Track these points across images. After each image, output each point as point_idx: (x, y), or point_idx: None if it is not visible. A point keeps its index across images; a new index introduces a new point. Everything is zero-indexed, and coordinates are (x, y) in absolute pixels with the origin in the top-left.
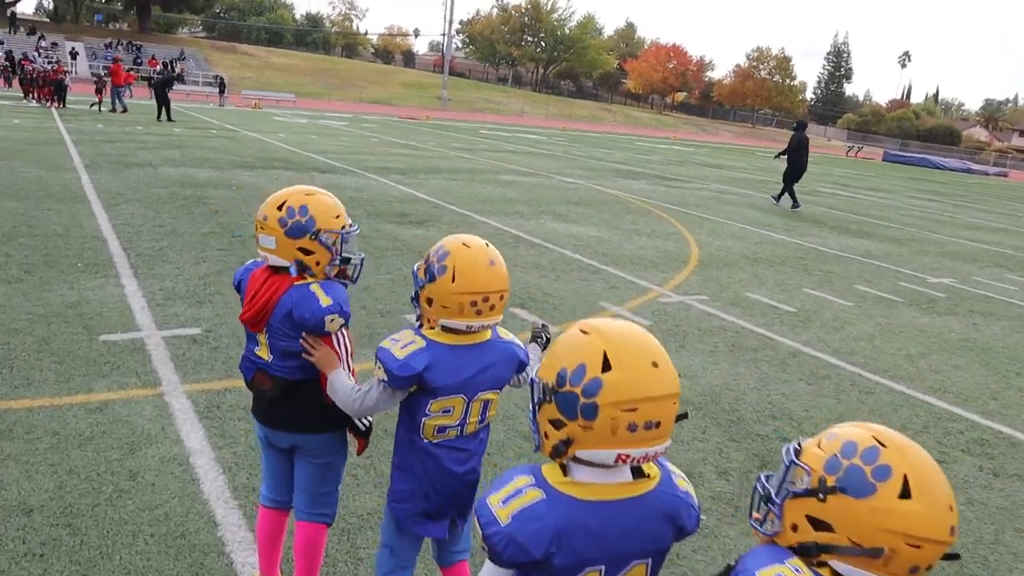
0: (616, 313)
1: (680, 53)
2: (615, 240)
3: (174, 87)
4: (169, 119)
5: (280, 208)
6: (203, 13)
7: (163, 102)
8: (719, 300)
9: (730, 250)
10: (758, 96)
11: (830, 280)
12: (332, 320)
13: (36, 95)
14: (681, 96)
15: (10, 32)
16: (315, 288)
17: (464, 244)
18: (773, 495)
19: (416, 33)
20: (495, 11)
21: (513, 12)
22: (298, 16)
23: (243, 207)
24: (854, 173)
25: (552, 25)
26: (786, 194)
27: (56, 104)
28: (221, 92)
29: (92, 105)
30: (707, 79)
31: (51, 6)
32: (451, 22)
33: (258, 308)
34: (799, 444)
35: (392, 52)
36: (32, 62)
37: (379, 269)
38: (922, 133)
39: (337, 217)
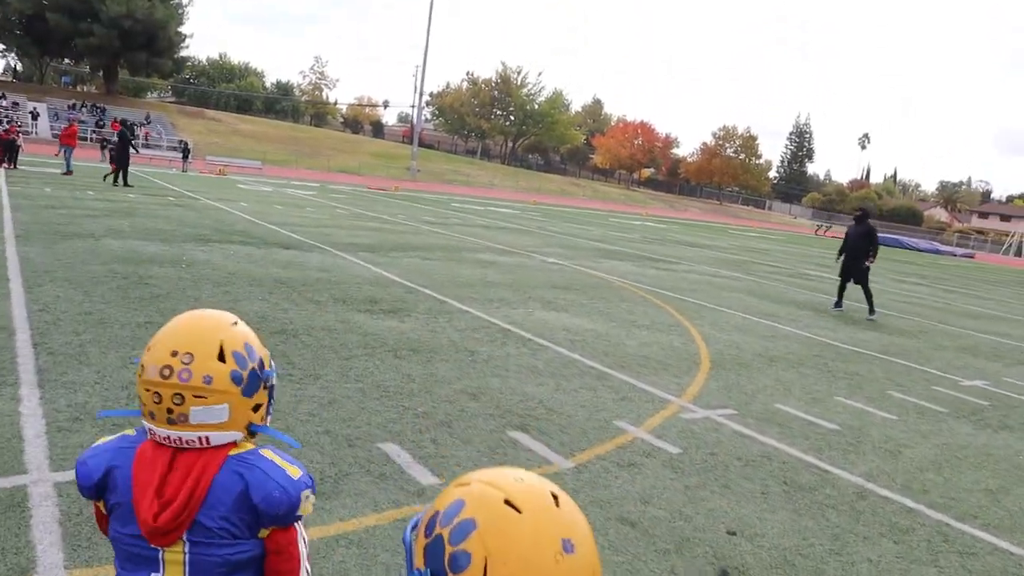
0: (636, 436)
1: (647, 130)
2: (614, 335)
3: (135, 146)
4: (126, 183)
5: (222, 357)
6: (172, 78)
7: (122, 164)
8: (749, 415)
9: (740, 347)
10: (725, 174)
11: (860, 385)
12: (307, 499)
13: None
14: (647, 172)
15: None
16: (267, 454)
17: (508, 504)
18: None
19: (385, 104)
20: (465, 84)
21: (483, 85)
22: (268, 84)
23: (190, 290)
24: (831, 253)
25: (522, 99)
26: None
27: (7, 165)
28: (184, 157)
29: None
30: (674, 156)
31: (19, 67)
32: (421, 93)
33: (180, 506)
34: None
35: (361, 122)
36: None
37: (347, 376)
38: (885, 213)
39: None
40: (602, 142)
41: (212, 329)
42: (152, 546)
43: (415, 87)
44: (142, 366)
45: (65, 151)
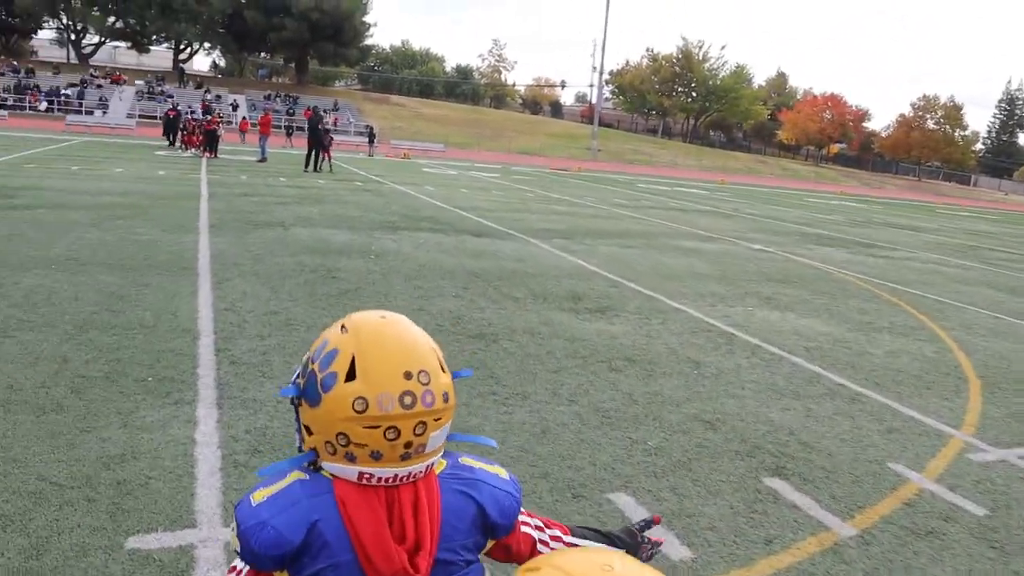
0: (922, 487)
1: (838, 103)
2: (853, 340)
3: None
4: (316, 169)
5: (443, 367)
6: (357, 66)
7: (313, 149)
8: None
9: (1009, 357)
10: (924, 147)
11: None
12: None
13: (184, 142)
14: (837, 148)
15: (180, 86)
16: (471, 462)
17: None
18: None
19: (563, 84)
20: (645, 61)
21: (663, 62)
22: (448, 68)
23: (379, 284)
24: None
25: (704, 75)
26: None
27: (208, 154)
28: (370, 142)
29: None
30: (866, 130)
31: (223, 63)
32: (601, 72)
33: (432, 544)
34: None
35: (540, 103)
36: (180, 113)
37: (558, 395)
38: None
39: None
40: (789, 117)
41: (423, 337)
42: None
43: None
44: (363, 400)
45: (261, 139)
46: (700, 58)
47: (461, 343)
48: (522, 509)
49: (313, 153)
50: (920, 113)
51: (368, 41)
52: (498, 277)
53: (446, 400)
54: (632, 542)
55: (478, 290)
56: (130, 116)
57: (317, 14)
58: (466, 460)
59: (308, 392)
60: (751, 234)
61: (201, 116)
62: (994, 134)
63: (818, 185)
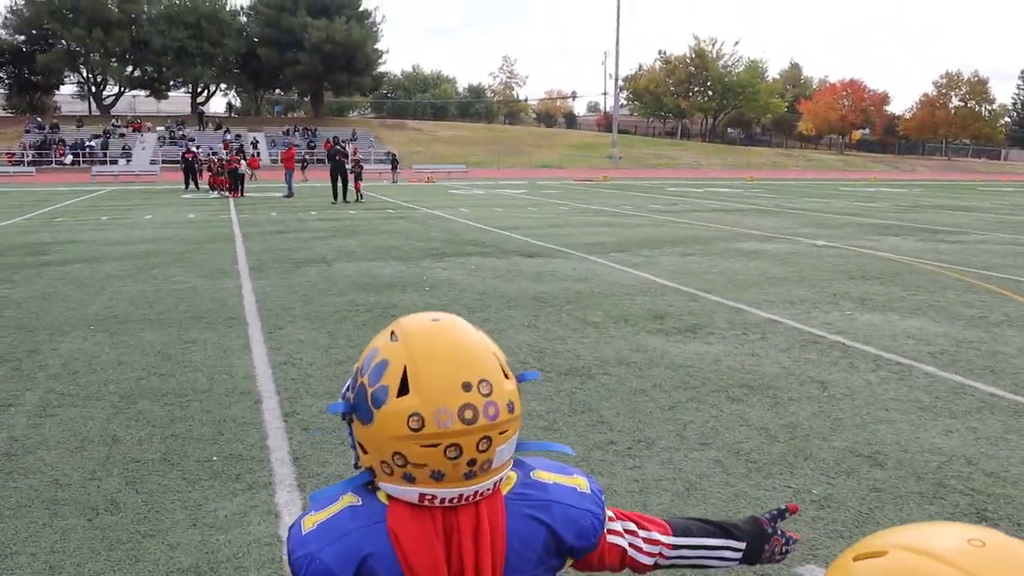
0: None
1: (858, 88)
2: (977, 339)
3: (346, 161)
4: (345, 199)
5: (507, 374)
6: (371, 94)
7: (336, 179)
8: None
9: None
10: (951, 125)
11: None
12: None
13: (211, 184)
14: (859, 134)
15: (200, 129)
16: (544, 476)
17: None
18: None
19: (573, 96)
20: (658, 64)
21: (677, 63)
22: (460, 89)
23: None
24: None
25: (719, 72)
26: None
27: (235, 194)
28: (394, 168)
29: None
30: (888, 114)
31: (238, 103)
32: (617, 79)
33: (497, 571)
34: None
35: (554, 116)
36: (196, 155)
37: (684, 437)
38: None
39: None
40: (809, 107)
41: (481, 340)
42: None
43: (606, 74)
44: (419, 417)
45: (287, 174)
46: (714, 55)
47: (554, 382)
48: (609, 512)
49: (338, 184)
50: (944, 91)
51: (381, 68)
52: (567, 300)
53: (511, 410)
54: (758, 532)
55: (551, 317)
56: (153, 162)
57: (329, 46)
58: (540, 474)
59: (359, 408)
60: (805, 230)
61: (224, 156)
62: (1020, 106)
63: (847, 173)
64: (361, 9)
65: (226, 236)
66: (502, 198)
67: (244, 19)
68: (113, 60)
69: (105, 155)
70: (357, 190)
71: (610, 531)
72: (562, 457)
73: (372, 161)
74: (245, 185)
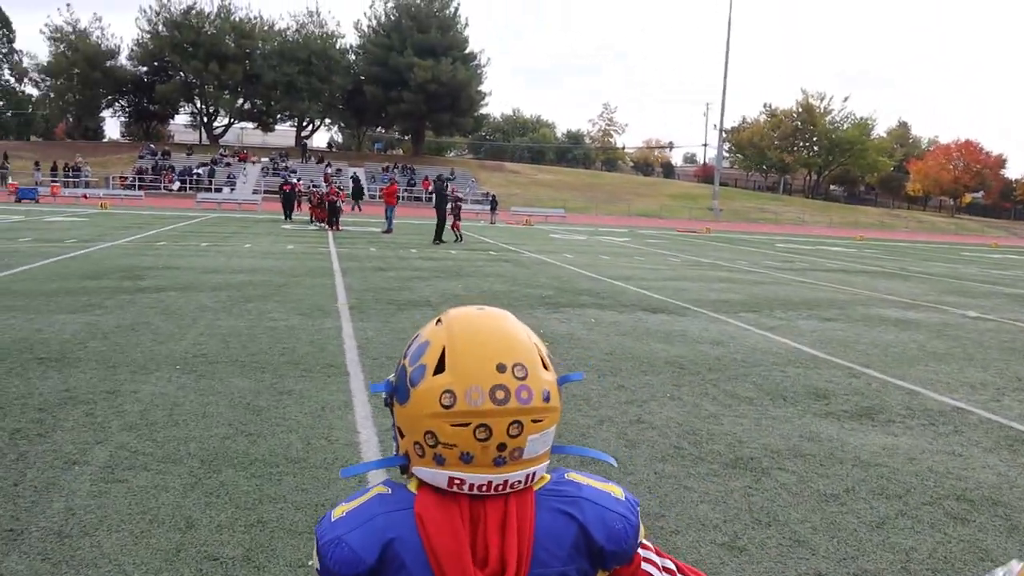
0: None
1: (973, 149)
2: None
3: (451, 200)
4: (440, 239)
5: (547, 365)
6: (472, 135)
7: (441, 219)
8: None
9: None
10: None
11: None
12: (640, 515)
13: (313, 216)
14: (970, 198)
15: (303, 161)
16: (578, 478)
17: None
18: None
19: (671, 146)
20: (763, 117)
21: (783, 116)
22: (559, 134)
23: (573, 384)
24: None
25: (826, 128)
26: None
27: (333, 228)
28: (493, 209)
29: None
30: (1004, 177)
31: (340, 139)
32: (722, 131)
33: (513, 570)
34: None
35: (651, 164)
36: (293, 186)
37: (887, 560)
38: None
39: None
40: (919, 167)
41: (522, 329)
42: None
43: (707, 124)
44: (451, 394)
45: (387, 209)
46: (822, 111)
47: (720, 476)
48: (648, 544)
49: (441, 224)
50: None
51: (483, 110)
52: (708, 368)
53: (547, 399)
54: None
55: (695, 388)
56: (255, 192)
57: (434, 86)
58: (573, 475)
59: (399, 388)
60: (948, 297)
61: (324, 188)
62: None
63: (961, 237)
64: (467, 51)
65: (325, 270)
66: (605, 245)
67: (352, 57)
68: (226, 92)
69: (211, 183)
70: (456, 229)
71: (646, 559)
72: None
73: (469, 201)
74: (340, 218)
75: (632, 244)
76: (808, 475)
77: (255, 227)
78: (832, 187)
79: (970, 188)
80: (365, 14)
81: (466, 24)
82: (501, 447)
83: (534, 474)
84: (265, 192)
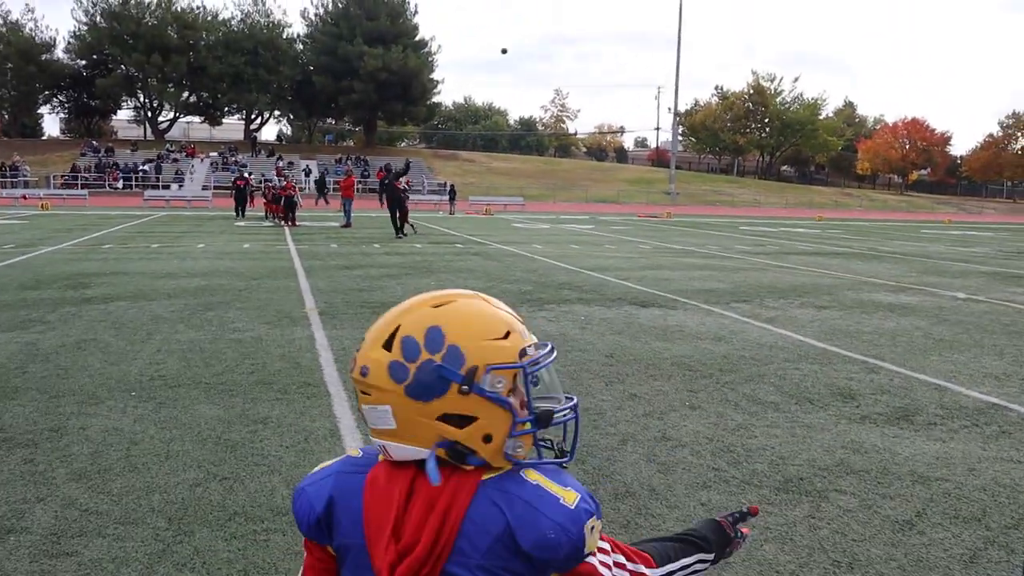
0: None
1: (920, 128)
2: None
3: (406, 190)
4: (400, 233)
5: (389, 345)
6: (425, 124)
7: (393, 212)
8: None
9: None
10: (1018, 167)
11: None
12: (592, 531)
13: (267, 210)
14: (916, 175)
15: (253, 155)
16: (532, 476)
17: None
18: None
19: (622, 130)
20: (715, 99)
21: (735, 99)
22: (512, 121)
23: (577, 392)
24: None
25: (778, 109)
26: None
27: (289, 223)
28: (451, 199)
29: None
30: (948, 155)
31: (289, 132)
32: (676, 114)
33: (426, 546)
34: None
35: (604, 150)
36: (248, 181)
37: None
38: None
39: (506, 336)
40: (868, 146)
41: (406, 310)
42: None
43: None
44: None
45: (345, 203)
46: (772, 92)
47: (775, 504)
48: (604, 543)
49: (395, 216)
50: (1010, 131)
51: (435, 98)
52: (719, 369)
53: (363, 374)
54: (723, 540)
55: (713, 394)
56: (205, 188)
57: (385, 74)
58: (529, 472)
59: None
60: (927, 278)
61: (278, 183)
62: None
63: (913, 215)
64: (418, 38)
65: (287, 271)
66: (572, 234)
67: (300, 47)
68: (170, 85)
69: (158, 180)
70: (405, 221)
71: (601, 562)
72: None
73: (425, 192)
74: (297, 213)
75: (598, 232)
76: (870, 497)
77: (207, 225)
78: (783, 168)
79: (917, 165)
80: (312, 2)
81: (415, 11)
82: (362, 411)
83: (386, 447)
84: (215, 188)
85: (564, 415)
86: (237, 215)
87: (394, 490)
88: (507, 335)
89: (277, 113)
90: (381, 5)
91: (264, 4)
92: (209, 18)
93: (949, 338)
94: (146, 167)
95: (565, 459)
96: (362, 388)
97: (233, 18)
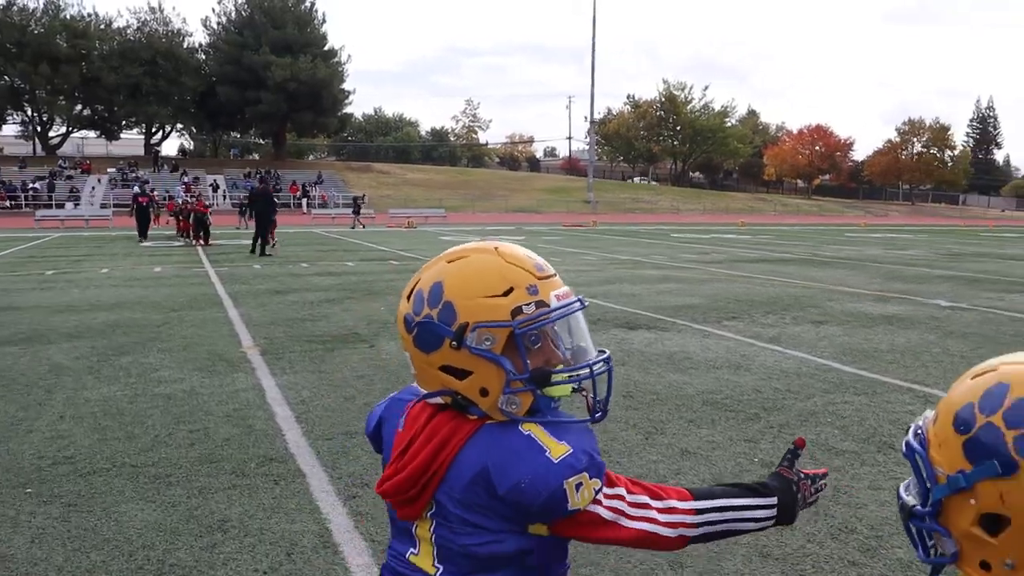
0: None
1: (824, 134)
2: None
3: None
4: (262, 252)
5: (408, 296)
6: (337, 135)
7: (262, 228)
8: None
9: None
10: (915, 171)
11: None
12: (578, 489)
13: (180, 229)
14: (818, 180)
15: (155, 171)
16: (528, 428)
17: None
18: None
19: (532, 140)
20: (627, 108)
21: (647, 107)
22: (423, 132)
23: (635, 465)
24: None
25: (689, 117)
26: None
27: (200, 241)
28: (356, 212)
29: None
30: (850, 160)
31: (191, 146)
32: (592, 123)
33: (415, 470)
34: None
35: (517, 159)
36: (151, 199)
37: None
38: None
39: (506, 293)
40: (775, 152)
41: (430, 262)
42: (399, 517)
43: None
44: None
45: None
46: (683, 100)
47: None
48: (620, 488)
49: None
50: (906, 137)
51: (347, 109)
52: (761, 407)
53: (401, 323)
54: (784, 484)
55: (777, 444)
56: (104, 206)
57: (294, 85)
58: (526, 424)
59: None
60: (892, 284)
61: (189, 200)
62: (970, 153)
63: (825, 218)
64: (327, 48)
65: (210, 298)
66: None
67: (203, 56)
68: (61, 98)
69: (51, 198)
70: (272, 238)
71: (609, 507)
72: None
73: (341, 206)
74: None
75: (531, 243)
76: None
77: (110, 246)
78: (694, 174)
79: (823, 171)
80: (214, 10)
81: (323, 20)
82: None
83: (436, 397)
84: (115, 206)
85: (576, 376)
86: (140, 236)
87: (420, 419)
88: (508, 292)
89: (180, 126)
90: (287, 13)
91: (162, 12)
92: (102, 26)
93: (971, 354)
94: (37, 185)
95: (590, 418)
96: (401, 335)
97: (129, 27)
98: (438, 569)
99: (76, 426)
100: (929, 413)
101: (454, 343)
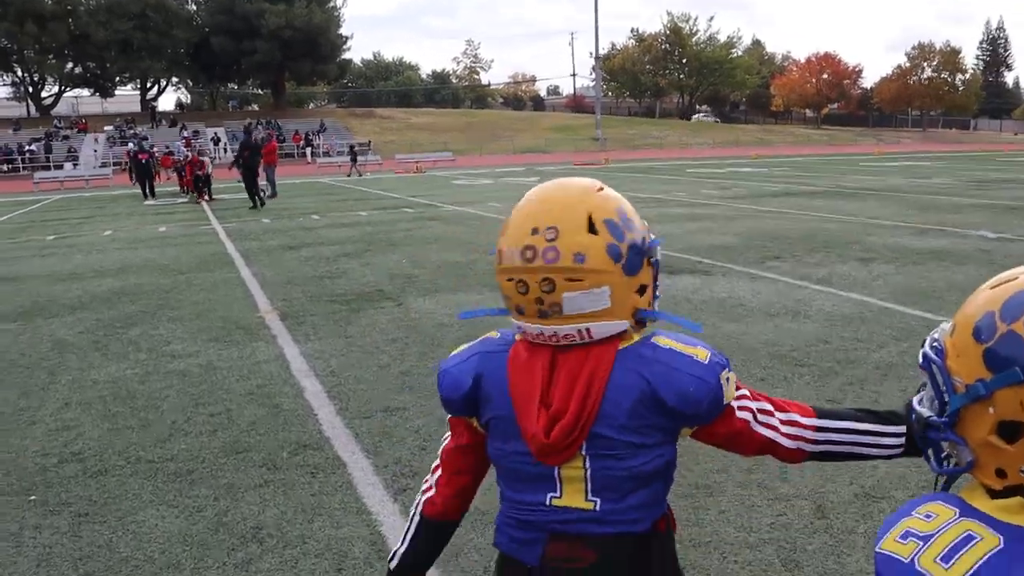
0: None
1: (832, 62)
2: None
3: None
4: (258, 204)
5: (592, 228)
6: (336, 82)
7: (250, 182)
8: None
9: None
10: (926, 97)
11: None
12: (728, 382)
13: (185, 186)
14: (827, 109)
15: (153, 127)
16: (663, 341)
17: None
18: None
19: (534, 79)
20: (632, 42)
21: (651, 41)
22: (424, 75)
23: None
24: None
25: (695, 49)
26: None
27: (204, 197)
28: (353, 160)
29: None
30: (859, 88)
31: (188, 100)
32: (598, 58)
33: (573, 418)
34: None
35: (522, 99)
36: (152, 155)
37: None
38: None
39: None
40: (782, 82)
41: (576, 197)
42: (548, 463)
43: (575, 54)
44: (499, 252)
45: (267, 171)
46: (688, 32)
47: None
48: (745, 392)
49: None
50: (916, 62)
51: (346, 55)
52: (833, 359)
53: (579, 260)
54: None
55: (853, 402)
56: (104, 165)
57: (289, 32)
58: (659, 338)
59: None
60: (931, 215)
61: (189, 154)
62: (980, 77)
63: (837, 148)
64: None
65: (220, 258)
66: (521, 187)
67: (194, 7)
68: (50, 57)
69: (48, 160)
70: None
71: (742, 408)
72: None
73: (345, 154)
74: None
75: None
76: None
77: (112, 206)
78: (702, 107)
79: (831, 99)
80: None
81: None
82: (539, 301)
83: (589, 330)
84: (115, 164)
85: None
86: (144, 195)
87: (536, 364)
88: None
89: (175, 80)
90: None
91: None
92: None
93: None
94: (33, 147)
95: (696, 327)
96: (569, 276)
97: None
98: (595, 502)
99: (84, 414)
100: (946, 325)
101: (651, 261)
